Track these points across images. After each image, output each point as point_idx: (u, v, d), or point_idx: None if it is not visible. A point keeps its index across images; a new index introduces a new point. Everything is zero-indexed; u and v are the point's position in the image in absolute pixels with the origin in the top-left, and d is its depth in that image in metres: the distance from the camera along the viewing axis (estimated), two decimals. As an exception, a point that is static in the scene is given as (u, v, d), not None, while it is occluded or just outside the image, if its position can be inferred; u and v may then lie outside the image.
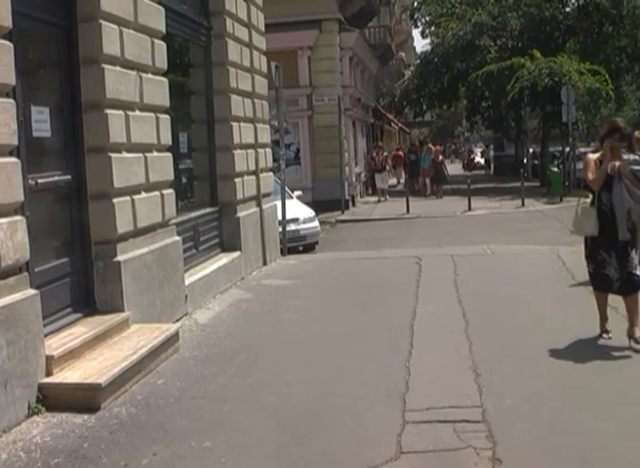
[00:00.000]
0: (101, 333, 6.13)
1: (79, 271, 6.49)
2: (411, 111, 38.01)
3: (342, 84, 25.29)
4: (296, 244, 14.23)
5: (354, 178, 26.98)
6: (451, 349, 6.45)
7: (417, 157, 31.36)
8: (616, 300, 7.70)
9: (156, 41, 7.54)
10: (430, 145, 32.99)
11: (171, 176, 7.88)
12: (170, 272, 7.62)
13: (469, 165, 51.00)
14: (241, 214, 10.45)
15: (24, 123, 5.58)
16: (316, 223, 15.20)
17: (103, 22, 6.49)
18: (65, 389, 5.28)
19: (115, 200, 6.59)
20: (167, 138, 7.77)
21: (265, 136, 11.98)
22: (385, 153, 33.71)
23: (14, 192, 5.14)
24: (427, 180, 28.51)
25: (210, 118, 10.06)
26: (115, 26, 6.68)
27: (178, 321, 7.54)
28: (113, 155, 6.58)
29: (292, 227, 13.93)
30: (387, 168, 30.90)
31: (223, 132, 10.09)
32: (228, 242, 10.25)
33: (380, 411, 5.03)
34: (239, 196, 10.39)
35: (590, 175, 6.57)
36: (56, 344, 5.62)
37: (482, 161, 54.61)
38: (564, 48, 28.30)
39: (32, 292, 5.32)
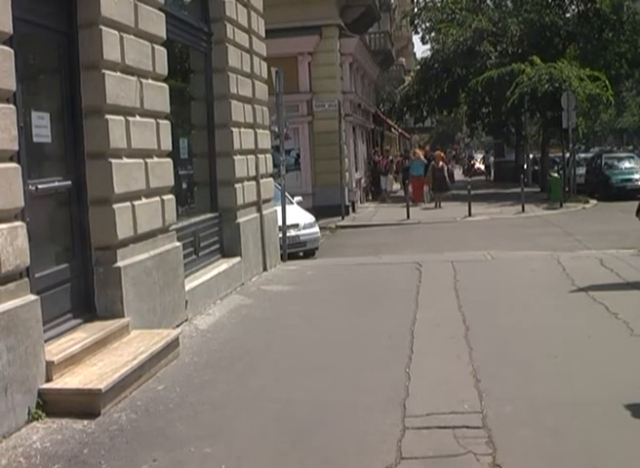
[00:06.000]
0: (102, 339, 6.13)
1: (79, 277, 6.49)
2: (411, 117, 38.08)
3: (343, 90, 25.33)
4: (296, 249, 14.24)
5: (354, 184, 26.97)
6: (451, 355, 6.44)
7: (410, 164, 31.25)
8: (616, 306, 7.72)
9: (156, 47, 7.55)
10: (418, 150, 32.68)
11: (171, 182, 7.89)
12: (170, 278, 7.62)
13: (469, 171, 51.03)
14: (241, 219, 10.45)
15: (25, 128, 5.59)
16: (316, 229, 15.21)
17: (104, 28, 6.50)
18: (65, 395, 5.28)
19: (115, 206, 6.60)
20: (167, 144, 7.78)
21: (266, 141, 11.99)
22: (391, 157, 33.91)
23: (14, 198, 5.14)
24: (425, 188, 27.41)
25: (210, 124, 10.07)
26: (116, 32, 6.70)
27: (178, 326, 7.54)
28: (113, 161, 6.59)
29: (292, 233, 13.94)
30: (391, 172, 30.96)
31: (224, 137, 10.09)
32: (228, 247, 10.25)
33: (381, 417, 5.02)
34: (239, 202, 10.39)
35: None
36: (56, 350, 5.62)
37: (482, 167, 54.65)
38: (564, 54, 28.34)
39: (32, 297, 5.31)
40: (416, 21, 33.72)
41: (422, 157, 29.19)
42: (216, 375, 6.21)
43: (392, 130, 46.83)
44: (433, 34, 33.05)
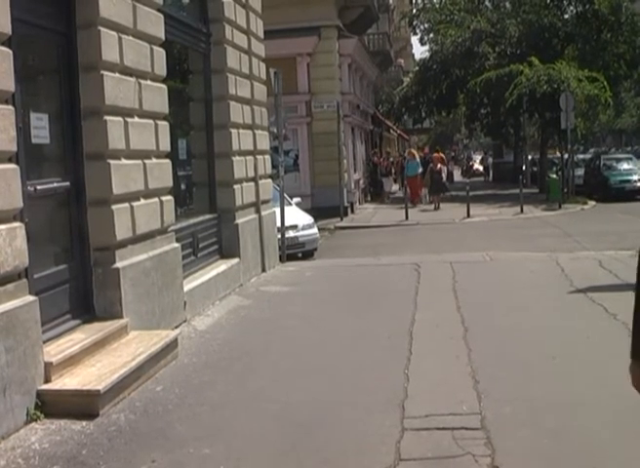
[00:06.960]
0: (100, 340, 6.12)
1: (78, 277, 6.48)
2: (410, 118, 38.09)
3: (341, 90, 25.32)
4: (294, 251, 14.22)
5: (353, 185, 26.97)
6: (450, 356, 6.44)
7: None
8: (615, 307, 7.72)
9: (155, 48, 7.55)
10: (413, 150, 32.69)
11: (170, 183, 7.88)
12: (169, 279, 7.62)
13: (468, 172, 51.05)
14: (240, 220, 10.45)
15: (24, 129, 5.58)
16: (315, 230, 15.21)
17: (103, 29, 6.50)
18: (64, 395, 5.28)
19: (114, 206, 6.59)
20: (166, 145, 7.78)
21: (264, 142, 11.99)
22: (392, 158, 33.98)
23: (13, 198, 5.14)
24: (424, 190, 27.38)
25: (209, 125, 10.07)
26: (114, 33, 6.70)
27: (176, 327, 7.53)
28: (112, 162, 6.59)
29: (291, 234, 13.94)
30: (393, 173, 31.02)
31: (222, 138, 10.09)
32: (227, 248, 10.25)
33: (380, 418, 5.02)
34: (238, 203, 10.39)
35: None
36: (54, 351, 5.61)
37: (481, 168, 54.62)
38: (562, 54, 28.34)
39: (31, 298, 5.31)
40: (414, 22, 33.74)
41: (417, 157, 29.15)
42: (214, 376, 6.21)
43: (391, 131, 46.86)
44: (432, 35, 33.07)
